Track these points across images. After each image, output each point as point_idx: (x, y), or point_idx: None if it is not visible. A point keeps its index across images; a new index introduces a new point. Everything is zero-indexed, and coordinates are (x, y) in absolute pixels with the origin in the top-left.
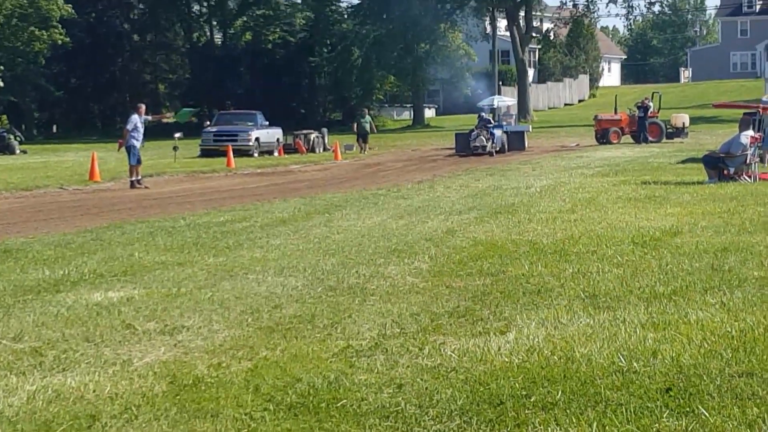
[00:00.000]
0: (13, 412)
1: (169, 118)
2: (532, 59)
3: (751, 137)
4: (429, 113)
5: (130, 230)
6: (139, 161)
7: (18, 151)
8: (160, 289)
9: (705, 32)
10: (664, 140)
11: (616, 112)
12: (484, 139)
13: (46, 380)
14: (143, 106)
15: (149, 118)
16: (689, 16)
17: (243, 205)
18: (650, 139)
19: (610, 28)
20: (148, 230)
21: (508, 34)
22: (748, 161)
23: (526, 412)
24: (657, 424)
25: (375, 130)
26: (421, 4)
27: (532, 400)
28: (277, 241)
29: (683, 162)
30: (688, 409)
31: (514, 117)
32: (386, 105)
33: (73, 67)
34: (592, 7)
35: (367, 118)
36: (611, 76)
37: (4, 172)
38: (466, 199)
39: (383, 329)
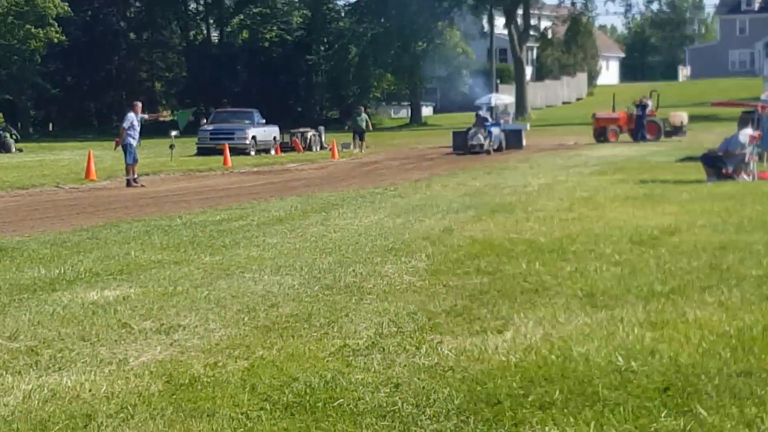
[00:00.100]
0: (8, 411)
1: (165, 116)
2: (529, 57)
3: (750, 136)
4: (426, 111)
5: (126, 229)
6: (135, 159)
7: (14, 150)
8: (156, 288)
9: (703, 30)
10: (663, 138)
11: (614, 110)
12: (481, 138)
13: (41, 379)
14: (139, 105)
15: (146, 116)
16: (688, 14)
17: (239, 204)
18: (648, 137)
19: (609, 26)
20: (145, 229)
21: (505, 32)
22: (746, 160)
23: (524, 411)
24: (655, 424)
25: (371, 128)
26: (419, 2)
27: (529, 399)
28: (273, 240)
29: (681, 160)
30: (686, 408)
31: (511, 115)
32: (383, 103)
33: (70, 65)
34: (590, 5)
35: (363, 116)
36: (609, 74)
37: (0, 170)
38: (464, 198)
39: (380, 328)
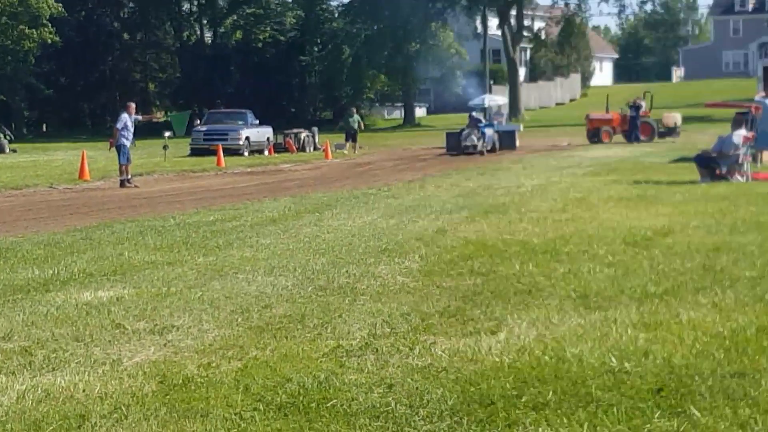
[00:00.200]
0: (2, 411)
1: (159, 118)
2: (523, 58)
3: (744, 137)
4: (420, 112)
5: (119, 229)
6: (129, 160)
7: (8, 150)
8: (149, 289)
9: (697, 31)
10: (656, 139)
11: (607, 111)
12: (475, 139)
13: (35, 380)
14: (133, 105)
15: (139, 117)
16: (681, 15)
17: (233, 205)
18: (642, 138)
19: (602, 27)
20: (138, 229)
21: (499, 33)
22: (740, 161)
23: (517, 412)
24: (648, 425)
25: (363, 127)
26: (412, 3)
27: (522, 400)
28: (267, 241)
29: (675, 161)
30: (679, 409)
31: (505, 116)
32: (377, 104)
33: (63, 65)
34: (583, 6)
35: (356, 117)
36: (603, 75)
37: None
38: (457, 199)
39: (373, 329)
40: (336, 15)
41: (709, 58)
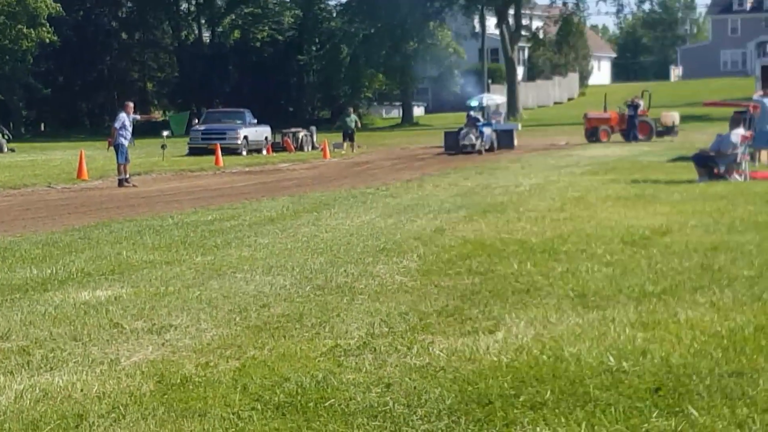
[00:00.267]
0: (0, 411)
1: (157, 117)
2: (521, 57)
3: (742, 136)
4: (418, 111)
5: (117, 229)
6: (127, 159)
7: (6, 150)
8: (147, 288)
9: (695, 30)
10: (654, 138)
11: (605, 110)
12: (473, 138)
13: (33, 379)
14: (131, 105)
15: (138, 117)
16: (679, 14)
17: (231, 204)
18: (640, 137)
19: (600, 26)
20: (136, 229)
21: (497, 32)
22: (738, 160)
23: (515, 411)
24: (646, 424)
25: (360, 126)
26: (410, 3)
27: (520, 399)
28: (265, 240)
29: (673, 160)
30: (677, 408)
31: (503, 115)
32: (375, 103)
33: (61, 65)
34: (581, 5)
35: (353, 116)
36: (601, 74)
37: None
38: (455, 198)
39: (371, 328)
40: (334, 14)
41: (708, 57)
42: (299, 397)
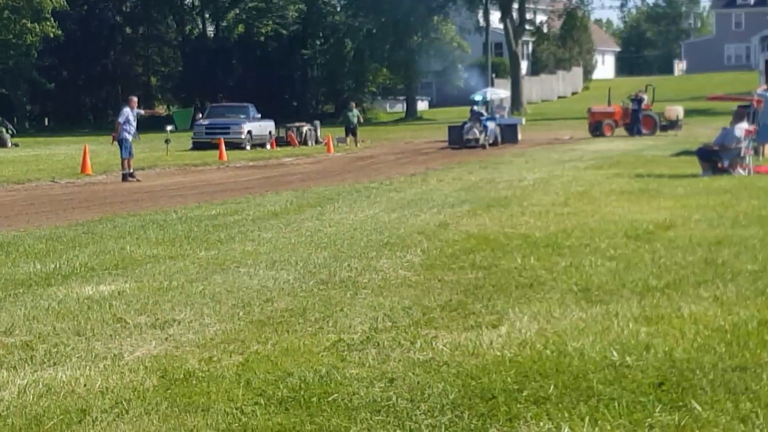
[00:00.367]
0: (3, 406)
1: (161, 113)
2: (525, 51)
3: (746, 130)
4: (422, 106)
5: (121, 223)
6: (131, 154)
7: (10, 144)
8: (151, 283)
9: (699, 24)
10: (658, 133)
11: (609, 105)
12: (477, 132)
13: (36, 374)
14: (135, 99)
15: (142, 111)
16: (683, 8)
17: (235, 199)
18: (644, 131)
19: (604, 21)
20: (140, 223)
21: (501, 26)
22: (742, 154)
23: (518, 406)
24: (649, 419)
25: (362, 121)
26: None
27: (524, 394)
28: (268, 235)
29: (677, 155)
30: (680, 403)
31: (507, 109)
32: (379, 97)
33: (65, 59)
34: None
35: (355, 111)
36: (605, 68)
37: None
38: (459, 192)
39: (375, 323)
40: (338, 8)
41: (711, 51)
42: (302, 392)
